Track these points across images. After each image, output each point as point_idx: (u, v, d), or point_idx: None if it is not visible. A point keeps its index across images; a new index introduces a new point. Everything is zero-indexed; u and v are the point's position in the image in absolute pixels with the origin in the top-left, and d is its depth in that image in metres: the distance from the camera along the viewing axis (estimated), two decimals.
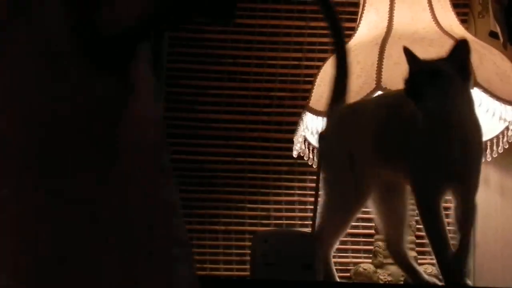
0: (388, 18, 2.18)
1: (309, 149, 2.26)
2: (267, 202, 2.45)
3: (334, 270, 1.88)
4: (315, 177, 2.03)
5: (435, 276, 2.05)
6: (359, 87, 2.05)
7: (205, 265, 2.40)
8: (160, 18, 1.04)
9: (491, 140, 2.20)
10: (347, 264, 2.38)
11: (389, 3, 2.19)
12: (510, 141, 2.18)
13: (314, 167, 2.25)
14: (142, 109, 1.04)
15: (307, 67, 2.50)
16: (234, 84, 2.51)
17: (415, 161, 1.77)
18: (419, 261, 2.13)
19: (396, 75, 2.02)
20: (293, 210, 2.45)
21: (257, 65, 2.51)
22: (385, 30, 2.15)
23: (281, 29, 2.54)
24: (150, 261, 0.99)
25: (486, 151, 2.22)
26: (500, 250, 2.39)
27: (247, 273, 1.95)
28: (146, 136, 1.04)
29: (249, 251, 1.94)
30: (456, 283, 1.74)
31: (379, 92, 2.02)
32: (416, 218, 2.18)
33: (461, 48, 1.73)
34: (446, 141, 1.74)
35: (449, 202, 2.40)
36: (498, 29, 2.32)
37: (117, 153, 1.00)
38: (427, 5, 2.19)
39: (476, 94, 2.05)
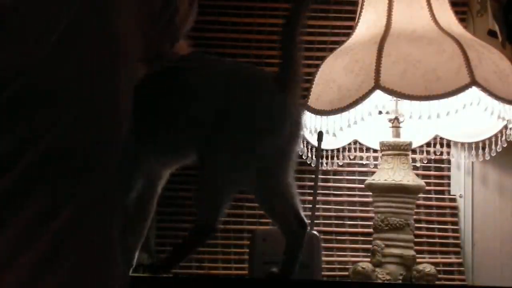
0: (386, 17, 2.17)
1: (307, 148, 2.26)
2: None
3: None
4: (313, 176, 2.03)
5: (434, 275, 2.05)
6: (357, 85, 2.05)
7: (203, 264, 2.40)
8: None
9: (489, 138, 2.20)
10: (345, 263, 2.38)
11: (387, 2, 2.19)
12: (508, 140, 2.18)
13: (313, 165, 2.25)
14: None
15: (306, 65, 2.49)
16: None
17: None
18: (417, 260, 2.13)
19: (394, 74, 2.02)
20: None
21: (255, 63, 2.51)
22: (383, 29, 2.15)
23: (279, 27, 2.53)
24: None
25: (484, 150, 2.22)
26: (498, 248, 2.39)
27: (246, 272, 1.95)
28: None
29: (247, 250, 1.93)
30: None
31: (378, 91, 2.02)
32: (415, 217, 2.19)
33: None
34: None
35: (447, 200, 2.40)
36: (496, 28, 2.33)
37: None
38: (426, 3, 2.19)
39: (475, 92, 2.05)
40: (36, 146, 0.98)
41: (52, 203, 0.98)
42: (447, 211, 2.41)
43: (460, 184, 2.43)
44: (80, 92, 1.02)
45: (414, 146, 2.24)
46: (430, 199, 2.42)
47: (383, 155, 2.18)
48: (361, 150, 2.37)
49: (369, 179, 2.17)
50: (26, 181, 0.97)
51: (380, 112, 2.15)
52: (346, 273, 2.28)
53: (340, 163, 2.34)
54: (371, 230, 2.19)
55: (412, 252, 2.11)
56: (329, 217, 2.43)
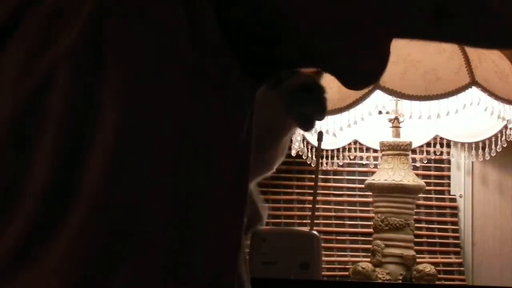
0: None
1: (307, 148, 2.26)
2: (266, 201, 2.44)
3: None
4: (313, 176, 2.03)
5: (434, 275, 2.05)
6: None
7: None
8: None
9: (489, 138, 2.20)
10: (345, 262, 2.38)
11: None
12: (508, 140, 2.18)
13: (313, 165, 2.25)
14: None
15: None
16: None
17: None
18: (417, 260, 2.14)
19: (393, 74, 2.02)
20: (291, 209, 2.45)
21: None
22: None
23: None
24: None
25: (484, 150, 2.22)
26: (498, 248, 2.39)
27: None
28: None
29: (247, 250, 1.94)
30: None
31: (378, 91, 2.02)
32: (415, 217, 2.19)
33: None
34: None
35: (446, 200, 2.40)
36: None
37: None
38: None
39: (475, 92, 2.05)
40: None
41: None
42: (447, 211, 2.41)
43: (460, 184, 2.43)
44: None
45: (414, 146, 2.24)
46: (430, 199, 2.42)
47: (383, 155, 2.18)
48: (361, 150, 2.37)
49: (369, 179, 2.17)
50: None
51: (380, 112, 2.15)
52: (346, 273, 2.28)
53: (340, 163, 2.34)
54: (371, 230, 2.19)
55: (412, 252, 2.11)
56: (329, 217, 2.43)
